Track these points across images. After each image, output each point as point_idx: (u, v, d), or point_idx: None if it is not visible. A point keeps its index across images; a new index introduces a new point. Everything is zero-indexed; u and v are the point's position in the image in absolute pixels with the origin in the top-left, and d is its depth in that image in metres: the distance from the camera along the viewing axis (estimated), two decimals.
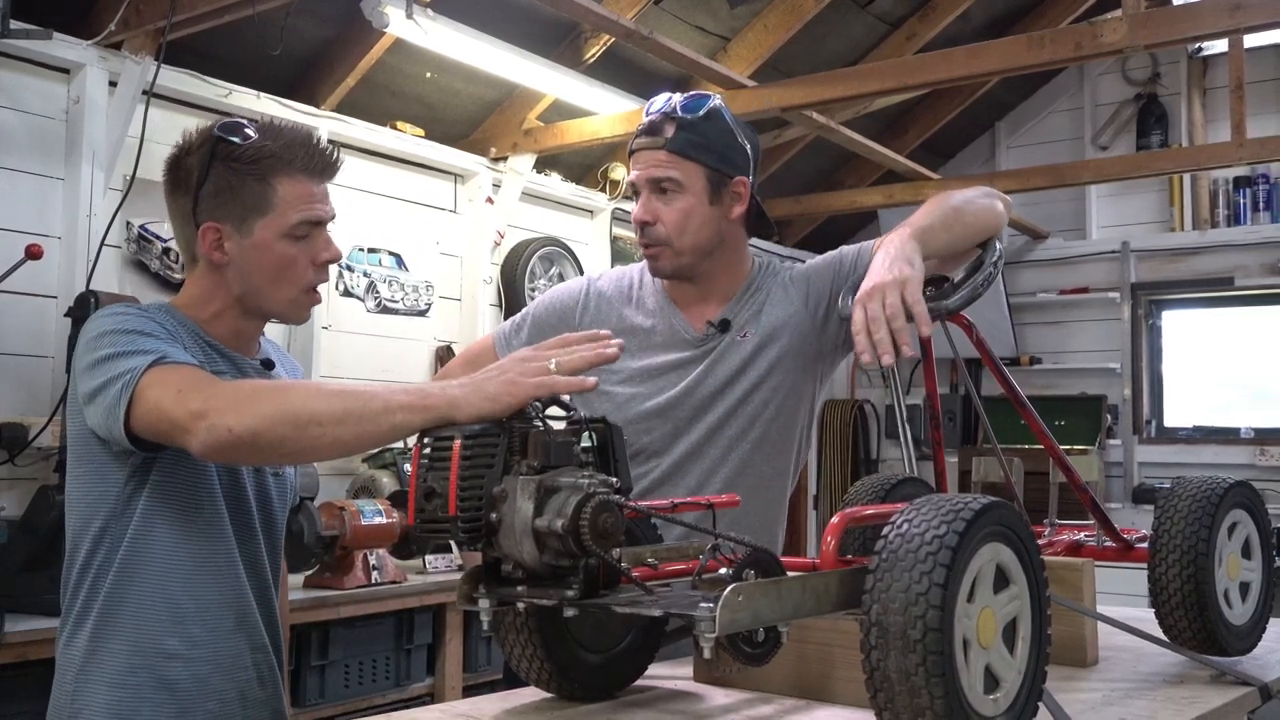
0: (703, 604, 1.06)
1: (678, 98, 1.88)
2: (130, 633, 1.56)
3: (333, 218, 1.68)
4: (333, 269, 1.96)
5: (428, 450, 1.22)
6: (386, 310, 4.57)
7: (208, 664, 1.59)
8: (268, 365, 1.75)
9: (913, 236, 1.60)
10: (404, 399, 1.33)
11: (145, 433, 1.47)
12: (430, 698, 3.78)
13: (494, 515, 1.17)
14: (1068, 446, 1.77)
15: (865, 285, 1.52)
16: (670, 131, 1.85)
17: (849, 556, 1.41)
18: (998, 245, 1.70)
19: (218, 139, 1.61)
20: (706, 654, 1.06)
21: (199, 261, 1.67)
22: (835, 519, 1.24)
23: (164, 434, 1.46)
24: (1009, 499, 1.27)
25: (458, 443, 1.18)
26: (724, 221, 1.91)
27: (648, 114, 1.89)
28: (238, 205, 1.61)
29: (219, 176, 1.61)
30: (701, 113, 1.86)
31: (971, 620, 1.08)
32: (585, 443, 1.27)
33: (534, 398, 1.26)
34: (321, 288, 1.72)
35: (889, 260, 1.54)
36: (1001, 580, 1.14)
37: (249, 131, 1.63)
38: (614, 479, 1.22)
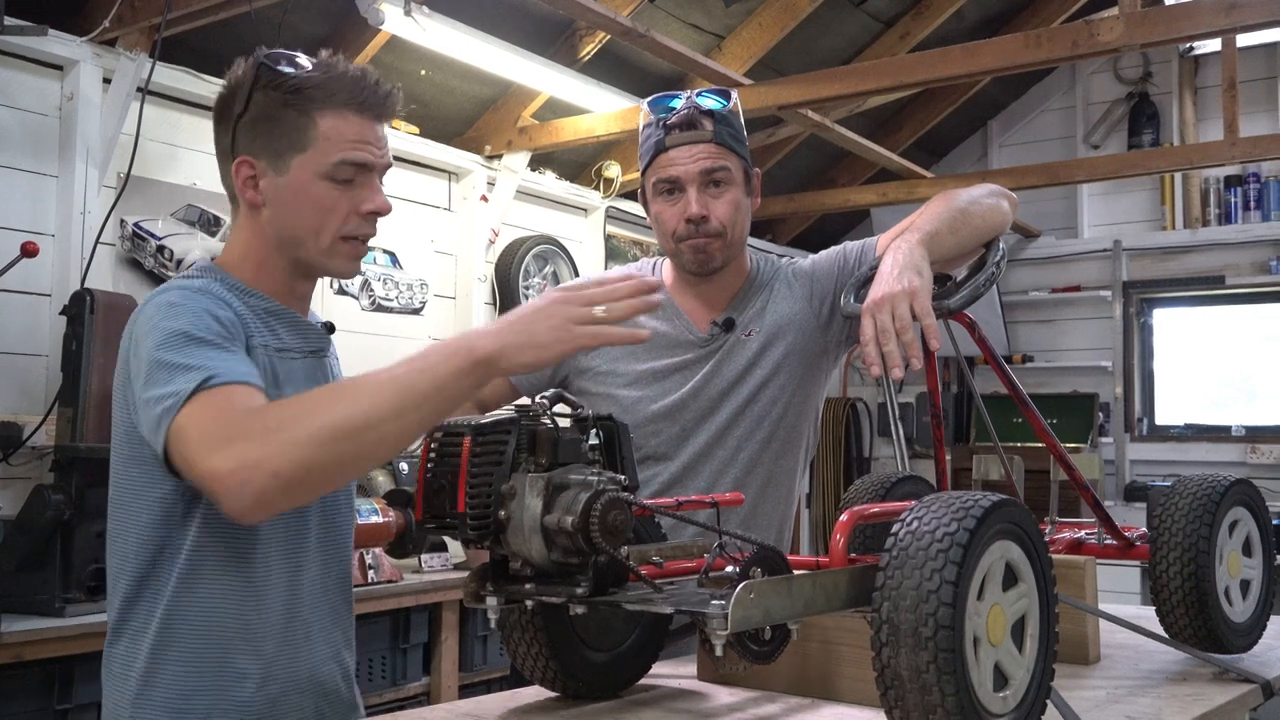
0: (714, 601, 1.06)
1: (700, 93, 1.87)
2: (191, 652, 1.40)
3: (386, 165, 1.51)
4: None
5: (436, 446, 1.22)
6: (381, 309, 4.56)
7: (280, 683, 1.43)
8: (330, 329, 1.62)
9: (921, 243, 1.58)
10: (451, 365, 1.24)
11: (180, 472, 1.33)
12: (426, 697, 3.77)
13: (502, 512, 1.17)
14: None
15: (874, 294, 1.50)
16: (709, 125, 1.85)
17: (852, 555, 1.41)
18: (1001, 245, 1.69)
19: (261, 65, 1.45)
20: (718, 651, 1.06)
21: (239, 205, 1.51)
22: (844, 516, 1.24)
23: (197, 485, 1.30)
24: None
25: (467, 440, 1.18)
26: (751, 214, 1.94)
27: (660, 112, 1.87)
28: (274, 139, 1.45)
29: (258, 107, 1.45)
30: (730, 105, 1.87)
31: (981, 618, 1.09)
32: (592, 440, 1.27)
33: (586, 348, 1.23)
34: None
35: (898, 269, 1.52)
36: (1010, 578, 1.14)
37: (300, 61, 1.47)
38: (621, 476, 1.22)
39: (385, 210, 1.49)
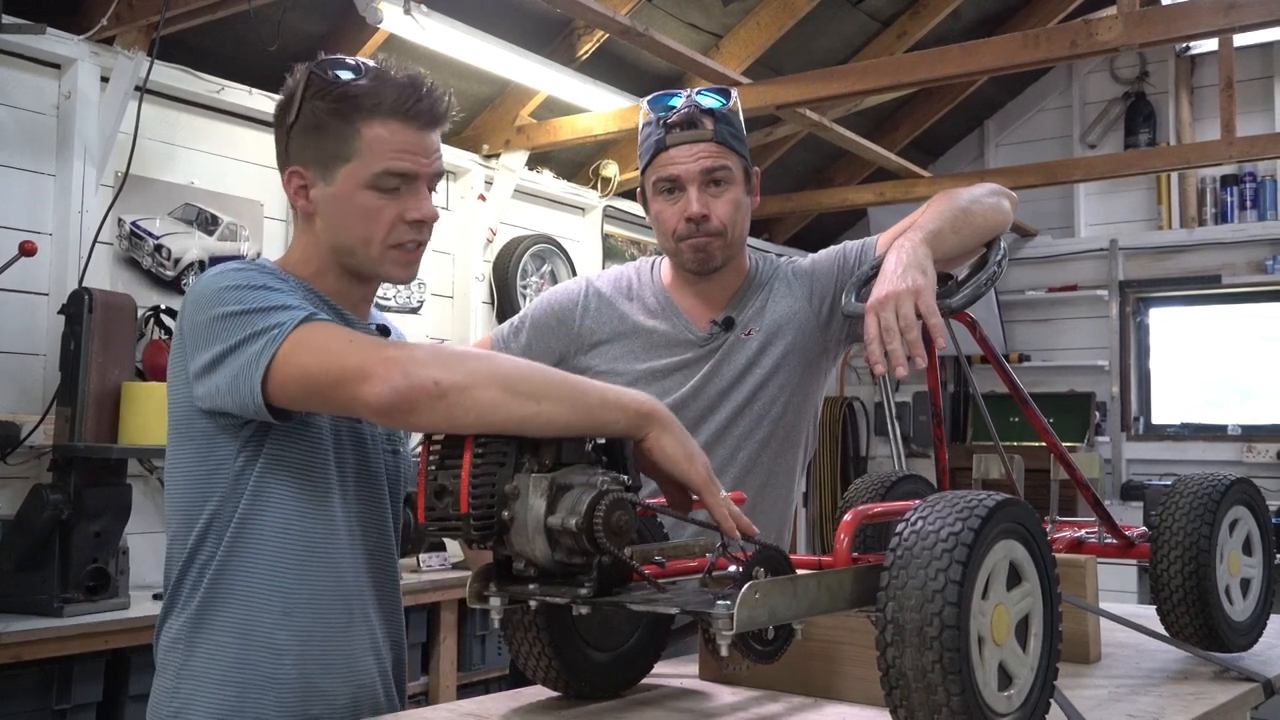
0: (719, 601, 1.06)
1: (700, 92, 1.87)
2: (237, 623, 1.42)
3: (435, 173, 1.50)
4: None
5: (438, 447, 1.21)
6: (378, 307, 4.53)
7: (316, 663, 1.44)
8: (384, 332, 1.60)
9: (924, 241, 1.57)
10: (624, 398, 1.27)
11: (290, 392, 1.32)
12: (425, 697, 3.77)
13: (506, 513, 1.17)
14: None
15: (878, 292, 1.49)
16: (710, 124, 1.85)
17: (854, 555, 1.41)
18: (1002, 244, 1.69)
19: (311, 74, 1.46)
20: (724, 651, 1.06)
21: (297, 212, 1.53)
22: (848, 516, 1.24)
23: (322, 389, 1.30)
24: None
25: (469, 440, 1.18)
26: (751, 213, 1.94)
27: (660, 111, 1.86)
28: (322, 149, 1.46)
29: (308, 116, 1.46)
30: (730, 104, 1.87)
31: (986, 617, 1.09)
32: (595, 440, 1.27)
33: (700, 478, 1.27)
34: None
35: (901, 267, 1.51)
36: (1014, 577, 1.14)
37: (351, 68, 1.47)
38: (624, 476, 1.22)
39: (431, 218, 1.49)
